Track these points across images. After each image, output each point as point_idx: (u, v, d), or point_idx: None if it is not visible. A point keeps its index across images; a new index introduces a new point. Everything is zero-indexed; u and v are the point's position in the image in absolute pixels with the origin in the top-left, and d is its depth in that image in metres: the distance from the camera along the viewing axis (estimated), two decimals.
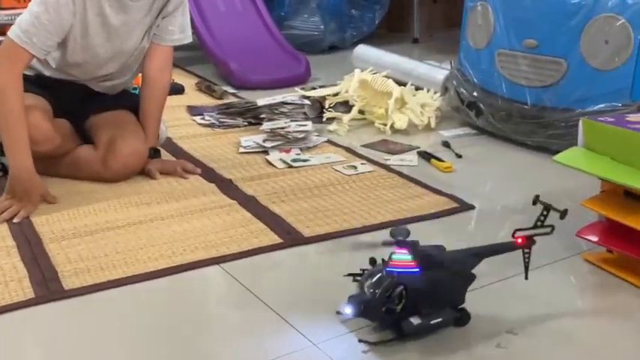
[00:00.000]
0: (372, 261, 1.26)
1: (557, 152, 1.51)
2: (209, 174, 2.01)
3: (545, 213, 1.24)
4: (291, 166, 2.06)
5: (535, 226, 1.24)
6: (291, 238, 1.60)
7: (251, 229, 1.64)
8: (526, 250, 1.25)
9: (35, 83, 1.90)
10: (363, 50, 3.23)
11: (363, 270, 1.26)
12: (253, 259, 1.52)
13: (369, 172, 2.02)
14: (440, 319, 1.20)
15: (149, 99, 2.02)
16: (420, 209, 1.75)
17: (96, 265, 1.47)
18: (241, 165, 2.09)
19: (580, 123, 1.46)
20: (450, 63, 2.72)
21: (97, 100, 2.03)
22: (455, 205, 1.78)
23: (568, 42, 2.09)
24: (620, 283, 1.39)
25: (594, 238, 1.45)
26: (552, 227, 1.24)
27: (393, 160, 2.13)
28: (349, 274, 1.29)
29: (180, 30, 2.00)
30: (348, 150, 2.22)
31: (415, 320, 1.18)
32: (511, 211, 1.77)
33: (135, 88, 2.21)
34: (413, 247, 1.20)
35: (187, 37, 2.04)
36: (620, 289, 1.38)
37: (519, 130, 2.22)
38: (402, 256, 1.19)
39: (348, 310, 1.20)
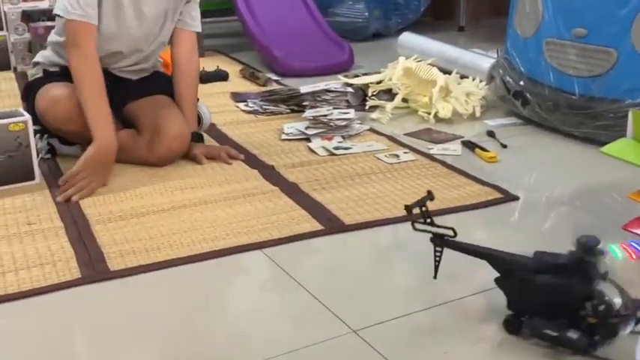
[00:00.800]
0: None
1: (604, 144, 1.48)
2: (252, 160, 2.03)
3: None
4: (333, 154, 2.07)
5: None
6: (332, 225, 1.60)
7: (292, 216, 1.65)
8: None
9: (63, 76, 1.95)
10: (407, 38, 3.20)
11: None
12: (294, 245, 1.53)
13: (411, 160, 2.01)
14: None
15: (182, 83, 2.05)
16: (462, 199, 1.74)
17: (141, 247, 1.50)
18: (283, 152, 2.10)
19: (629, 114, 1.43)
20: (497, 51, 2.68)
21: (134, 86, 2.06)
22: (499, 195, 1.76)
23: (618, 31, 2.04)
24: None
25: None
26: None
27: (436, 150, 2.11)
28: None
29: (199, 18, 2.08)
30: (391, 138, 2.21)
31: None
32: (556, 203, 1.74)
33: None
34: None
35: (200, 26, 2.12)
36: None
37: (566, 120, 2.18)
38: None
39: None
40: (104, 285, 1.37)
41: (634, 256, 1.23)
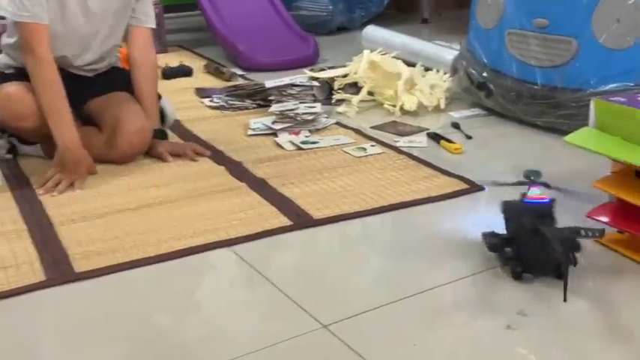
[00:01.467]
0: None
1: (567, 133, 1.50)
2: (218, 156, 2.01)
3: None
4: (300, 149, 2.06)
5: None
6: (300, 220, 1.60)
7: (260, 212, 1.64)
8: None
9: (18, 77, 1.91)
10: (371, 31, 3.20)
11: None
12: (263, 242, 1.52)
13: (378, 153, 2.01)
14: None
15: (141, 81, 2.04)
16: (429, 191, 1.75)
17: (106, 247, 1.48)
18: (250, 147, 2.09)
19: (591, 103, 1.45)
20: (460, 43, 2.70)
21: (93, 84, 2.03)
22: (465, 186, 1.78)
23: (579, 21, 2.07)
24: (631, 264, 1.39)
25: (605, 219, 1.44)
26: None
27: (402, 142, 2.12)
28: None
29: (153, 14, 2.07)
30: (358, 132, 2.21)
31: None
32: (521, 192, 1.76)
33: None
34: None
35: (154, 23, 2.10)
36: (631, 270, 1.37)
37: (529, 110, 2.20)
38: (537, 191, 1.39)
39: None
40: (69, 287, 1.35)
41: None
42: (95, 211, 1.65)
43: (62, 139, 1.82)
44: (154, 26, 2.09)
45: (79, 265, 1.41)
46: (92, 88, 2.02)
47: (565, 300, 1.25)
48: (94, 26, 1.94)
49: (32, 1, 1.78)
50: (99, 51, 2.01)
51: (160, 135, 2.03)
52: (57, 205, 1.70)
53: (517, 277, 1.32)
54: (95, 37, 1.97)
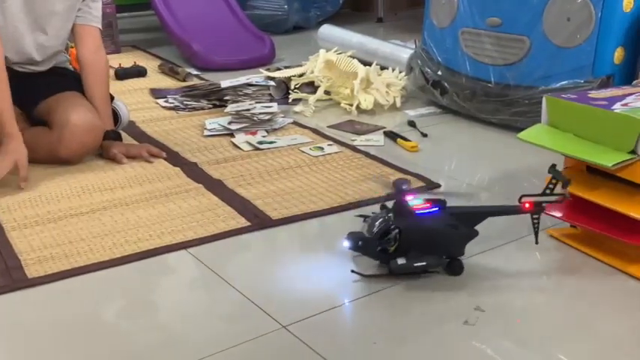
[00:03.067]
0: (383, 207, 1.42)
1: (521, 130, 1.52)
2: (174, 158, 1.99)
3: (554, 181, 1.33)
4: (257, 149, 2.05)
5: (544, 194, 1.34)
6: (258, 221, 1.59)
7: (218, 213, 1.63)
8: (535, 216, 1.35)
9: None
10: (327, 30, 3.21)
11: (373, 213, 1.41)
12: (221, 243, 1.50)
13: (335, 153, 2.01)
14: (424, 263, 1.30)
15: (92, 82, 2.00)
16: (386, 189, 1.75)
17: (60, 252, 1.45)
18: (206, 148, 2.07)
19: (543, 100, 1.47)
20: (415, 42, 2.72)
21: (44, 85, 1.99)
22: (421, 184, 1.79)
23: (531, 20, 2.11)
24: (584, 258, 1.42)
25: (558, 214, 1.47)
26: (564, 195, 1.33)
27: (359, 141, 2.13)
28: (359, 215, 1.49)
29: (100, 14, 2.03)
30: (315, 131, 2.21)
31: (400, 261, 1.30)
32: (476, 189, 1.78)
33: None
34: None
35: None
36: (584, 264, 1.40)
37: (484, 108, 2.23)
38: (417, 200, 1.35)
39: (347, 244, 1.36)
40: (22, 293, 1.32)
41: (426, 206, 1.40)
42: (48, 215, 1.62)
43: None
44: (99, 26, 2.04)
45: (32, 271, 1.38)
46: (42, 89, 1.98)
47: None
48: (37, 27, 1.90)
49: None
50: (44, 52, 1.97)
51: (114, 136, 2.00)
52: (8, 209, 1.65)
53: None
54: (39, 39, 1.93)
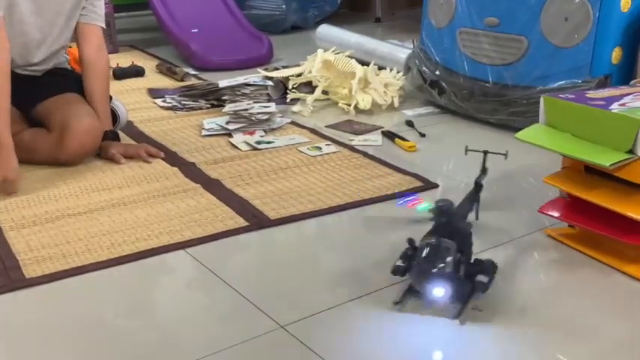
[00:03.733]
0: (410, 241, 1.25)
1: (518, 130, 1.52)
2: (172, 158, 1.99)
3: (484, 158, 1.51)
4: (255, 149, 2.05)
5: (482, 172, 1.51)
6: (256, 221, 1.59)
7: (216, 213, 1.63)
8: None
9: None
10: (325, 30, 3.21)
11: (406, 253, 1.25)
12: (219, 243, 1.50)
13: (333, 152, 2.01)
14: (494, 269, 1.24)
15: (93, 81, 2.00)
16: (384, 189, 1.76)
17: (58, 252, 1.45)
18: (204, 148, 2.07)
19: (541, 100, 1.47)
20: (413, 42, 2.72)
21: (44, 86, 1.99)
22: (419, 184, 1.79)
23: (528, 20, 2.11)
24: (582, 258, 1.42)
25: (556, 214, 1.47)
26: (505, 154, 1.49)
27: (357, 141, 2.13)
28: (397, 267, 1.25)
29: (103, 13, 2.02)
30: (313, 131, 2.21)
31: (483, 278, 1.20)
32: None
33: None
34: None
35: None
36: (582, 264, 1.40)
37: (481, 108, 2.23)
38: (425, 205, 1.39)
39: (441, 292, 1.17)
40: (20, 294, 1.32)
41: None
42: (46, 216, 1.62)
43: None
44: (103, 25, 2.05)
45: (30, 271, 1.37)
46: (42, 90, 1.97)
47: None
48: (44, 28, 1.90)
49: None
50: (46, 52, 1.97)
51: (112, 136, 2.00)
52: (6, 209, 1.65)
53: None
54: (45, 40, 1.93)
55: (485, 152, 1.45)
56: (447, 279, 1.16)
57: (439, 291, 1.17)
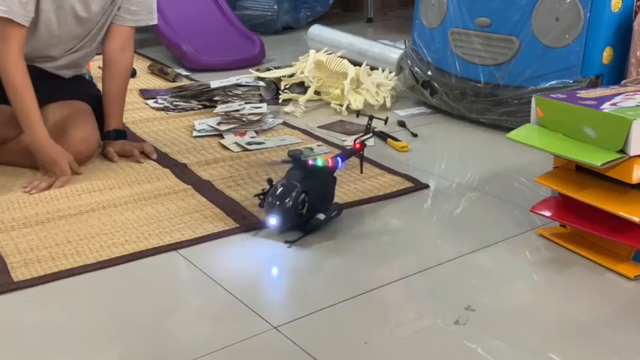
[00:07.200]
0: (270, 181, 1.54)
1: (510, 129, 1.52)
2: (163, 158, 1.98)
3: (369, 122, 1.75)
4: (246, 150, 2.04)
5: (366, 133, 1.72)
6: (247, 222, 1.58)
7: (206, 215, 1.62)
8: (360, 152, 1.71)
9: None
10: (317, 30, 3.20)
11: (264, 190, 1.56)
12: (210, 244, 1.50)
13: (325, 153, 2.01)
14: (336, 212, 1.54)
15: (111, 80, 2.00)
16: (375, 190, 1.75)
17: (46, 255, 1.44)
18: (196, 149, 2.06)
19: (532, 100, 1.47)
20: (404, 42, 2.72)
21: (49, 89, 1.97)
22: (410, 184, 1.79)
23: (520, 20, 2.11)
24: (574, 257, 1.42)
25: (548, 214, 1.47)
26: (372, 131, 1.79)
27: (349, 141, 2.12)
28: (255, 195, 1.62)
29: (147, 10, 2.00)
30: (305, 132, 2.21)
31: (321, 216, 1.49)
32: (465, 189, 1.78)
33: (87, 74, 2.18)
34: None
35: (154, 19, 2.03)
36: (573, 263, 1.40)
37: (473, 108, 2.23)
38: (321, 162, 1.55)
39: (274, 221, 1.47)
40: (8, 297, 1.30)
41: (330, 163, 1.59)
42: (36, 217, 1.60)
43: (33, 141, 1.80)
44: (134, 25, 2.00)
45: (18, 274, 1.36)
46: (49, 93, 1.95)
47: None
48: (87, 27, 1.91)
49: (14, 2, 1.71)
50: (83, 52, 1.98)
51: (113, 136, 1.99)
52: None
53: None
54: (85, 38, 1.94)
55: (371, 117, 1.77)
56: (285, 212, 1.45)
57: (272, 220, 1.47)
